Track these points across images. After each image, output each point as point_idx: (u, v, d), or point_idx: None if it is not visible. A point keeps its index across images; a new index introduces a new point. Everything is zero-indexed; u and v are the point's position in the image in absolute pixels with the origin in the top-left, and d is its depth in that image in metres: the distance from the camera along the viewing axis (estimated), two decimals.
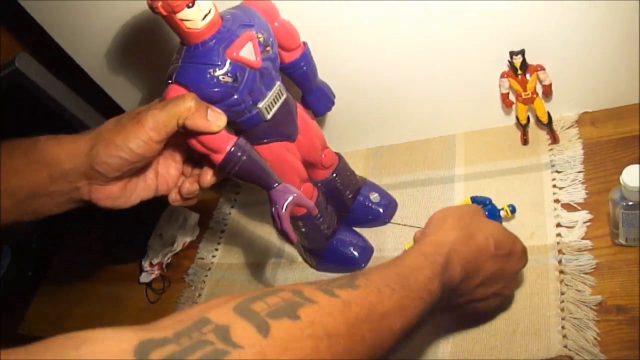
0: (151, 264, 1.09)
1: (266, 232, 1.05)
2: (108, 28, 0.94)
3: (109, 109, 1.06)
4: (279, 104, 0.72)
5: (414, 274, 0.57)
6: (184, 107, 0.61)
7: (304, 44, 0.78)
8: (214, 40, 0.64)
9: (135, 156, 0.61)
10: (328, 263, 0.91)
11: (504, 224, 0.78)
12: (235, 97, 0.66)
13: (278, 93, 0.72)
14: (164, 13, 0.60)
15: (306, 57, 0.78)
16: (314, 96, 0.83)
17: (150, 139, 0.61)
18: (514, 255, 0.67)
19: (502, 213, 0.81)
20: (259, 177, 0.69)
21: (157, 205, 0.82)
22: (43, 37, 0.98)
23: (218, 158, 0.65)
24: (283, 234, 0.70)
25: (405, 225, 0.87)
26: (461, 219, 0.68)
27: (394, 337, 0.52)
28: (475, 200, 0.83)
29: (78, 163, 0.62)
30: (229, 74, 0.64)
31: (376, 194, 0.95)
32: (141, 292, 1.07)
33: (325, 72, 0.91)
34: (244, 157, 0.66)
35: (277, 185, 0.69)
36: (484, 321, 0.75)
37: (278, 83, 0.72)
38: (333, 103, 0.85)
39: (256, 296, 0.46)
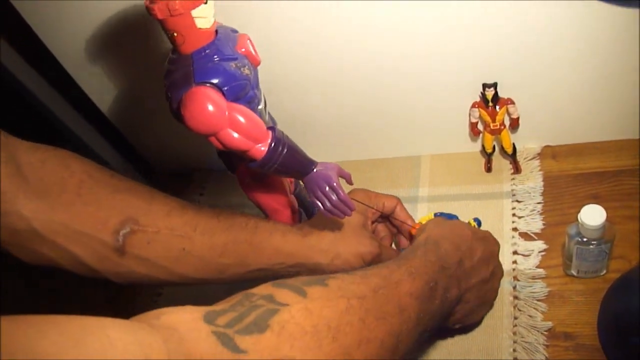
0: None
1: None
2: (86, 18, 0.92)
3: (80, 100, 1.05)
4: (267, 108, 0.71)
5: (412, 254, 0.64)
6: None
7: None
8: (220, 40, 0.62)
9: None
10: None
11: None
12: (251, 92, 0.63)
13: (264, 97, 0.71)
14: (182, 11, 0.56)
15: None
16: None
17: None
18: (487, 239, 0.74)
19: None
20: (302, 161, 0.65)
21: None
22: (19, 22, 0.95)
23: (260, 152, 0.61)
24: (340, 206, 0.66)
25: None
26: (438, 220, 0.78)
27: (416, 303, 0.56)
28: (440, 216, 0.85)
29: None
30: (247, 67, 0.62)
31: None
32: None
33: (298, 82, 0.92)
34: (287, 141, 0.63)
35: (314, 167, 0.66)
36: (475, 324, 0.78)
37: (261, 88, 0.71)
38: None
39: (290, 277, 0.53)
